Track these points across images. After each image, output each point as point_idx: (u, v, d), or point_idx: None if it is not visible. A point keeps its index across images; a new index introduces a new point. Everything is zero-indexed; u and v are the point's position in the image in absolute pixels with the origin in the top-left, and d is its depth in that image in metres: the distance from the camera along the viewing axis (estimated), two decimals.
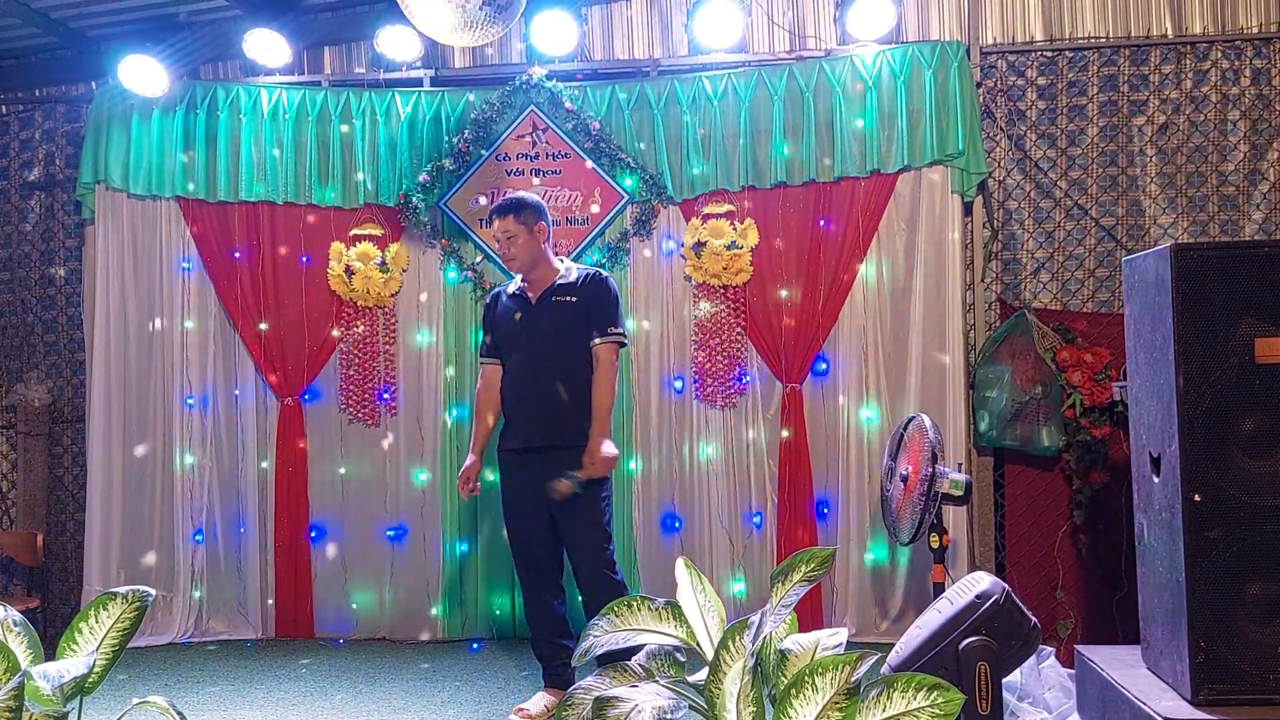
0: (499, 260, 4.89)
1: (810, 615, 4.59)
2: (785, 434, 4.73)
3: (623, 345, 3.87)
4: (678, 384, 4.85)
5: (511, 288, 3.94)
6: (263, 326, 4.98)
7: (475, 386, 4.19)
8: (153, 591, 2.37)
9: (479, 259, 4.95)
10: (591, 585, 3.72)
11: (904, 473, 3.98)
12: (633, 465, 4.82)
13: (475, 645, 4.76)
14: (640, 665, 2.33)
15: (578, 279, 3.84)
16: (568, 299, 3.80)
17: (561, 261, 3.94)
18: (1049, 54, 4.83)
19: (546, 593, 3.83)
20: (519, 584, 4.02)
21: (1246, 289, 2.69)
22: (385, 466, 4.97)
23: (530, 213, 3.81)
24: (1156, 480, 2.87)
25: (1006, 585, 2.87)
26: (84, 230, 5.23)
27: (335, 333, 4.99)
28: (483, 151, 4.92)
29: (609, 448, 3.71)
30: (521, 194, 4.04)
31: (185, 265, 5.05)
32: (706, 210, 4.79)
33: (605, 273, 3.96)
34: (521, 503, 3.80)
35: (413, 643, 4.80)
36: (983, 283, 4.82)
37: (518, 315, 3.85)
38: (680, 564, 2.49)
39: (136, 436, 5.00)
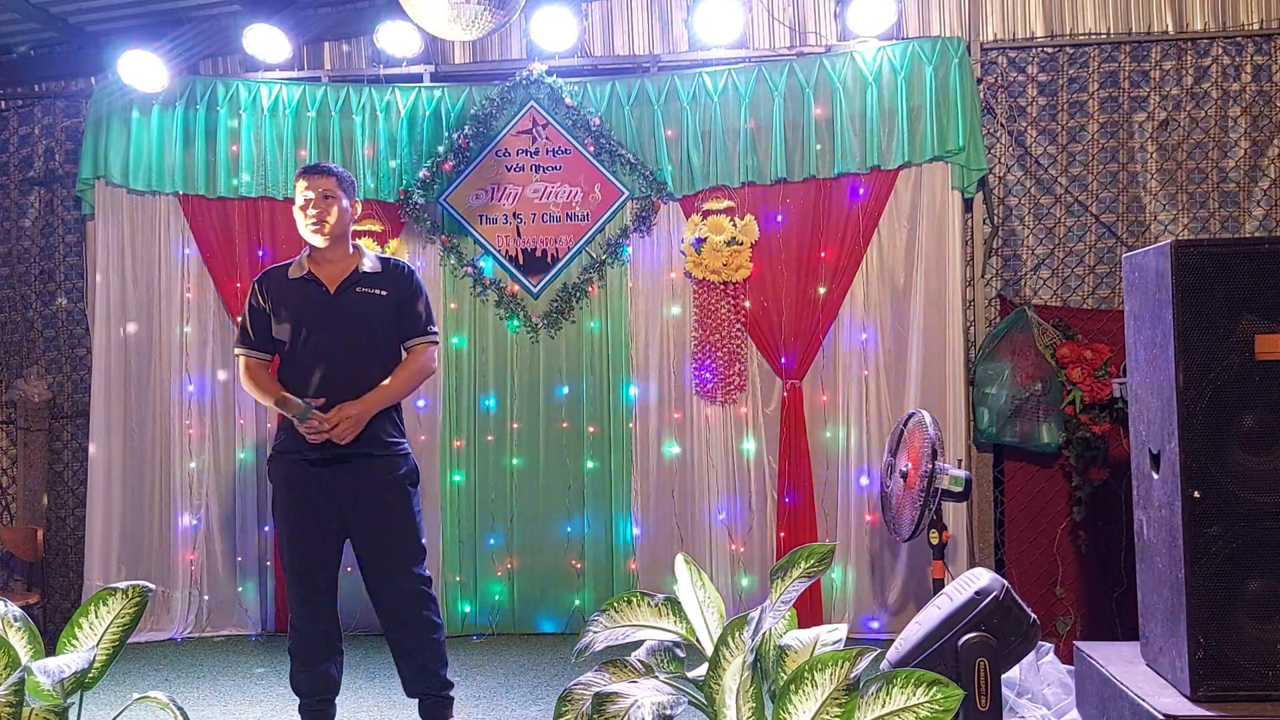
0: (499, 256, 4.91)
1: (810, 611, 4.59)
2: (785, 430, 4.73)
3: (438, 344, 3.48)
4: (678, 380, 4.84)
5: (293, 272, 3.35)
6: None
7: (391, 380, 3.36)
8: (153, 586, 2.37)
9: (479, 255, 4.95)
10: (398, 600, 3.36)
11: (904, 469, 3.98)
12: (633, 461, 4.83)
13: (475, 639, 4.77)
14: (640, 661, 2.33)
15: (383, 269, 3.37)
16: (376, 291, 3.32)
17: (358, 244, 3.46)
18: (1050, 50, 4.83)
19: (328, 601, 3.39)
20: (303, 605, 3.34)
21: (1247, 285, 2.69)
22: None
23: (350, 184, 3.40)
24: (1156, 477, 2.87)
25: (1006, 581, 2.87)
26: (84, 226, 5.23)
27: None
28: (483, 147, 4.92)
29: (360, 414, 3.19)
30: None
31: (185, 261, 5.05)
32: (707, 206, 4.79)
33: (408, 263, 3.57)
34: (313, 516, 3.29)
35: None
36: (983, 279, 4.82)
37: (310, 306, 3.29)
38: (680, 560, 2.49)
39: (137, 432, 5.01)
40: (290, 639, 3.40)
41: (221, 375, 5.04)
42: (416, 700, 3.40)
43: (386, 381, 3.29)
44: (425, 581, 3.36)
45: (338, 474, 3.26)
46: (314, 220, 3.29)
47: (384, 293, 3.33)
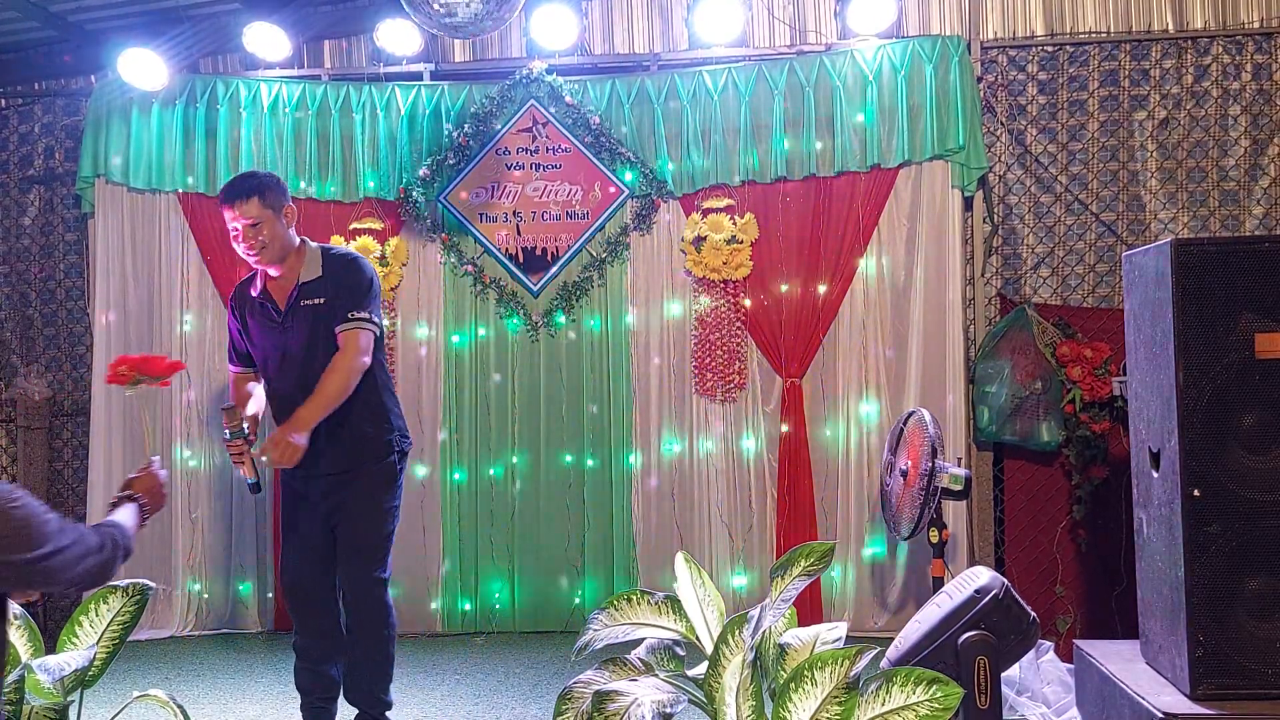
0: (499, 254, 4.91)
1: (810, 610, 4.59)
2: (785, 428, 4.73)
3: (372, 331, 3.17)
4: (677, 378, 4.84)
5: (255, 288, 3.24)
6: None
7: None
8: (153, 585, 2.38)
9: (479, 253, 4.95)
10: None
11: (904, 467, 3.98)
12: (633, 459, 4.83)
13: (475, 637, 4.77)
14: (640, 659, 2.33)
15: (324, 270, 3.19)
16: (316, 301, 3.15)
17: (305, 245, 3.25)
18: (1050, 49, 4.82)
19: (331, 599, 3.37)
20: (300, 608, 3.34)
21: (1246, 284, 2.69)
22: None
23: (276, 193, 3.15)
24: (1156, 475, 2.87)
25: (1005, 580, 2.87)
26: (84, 224, 5.23)
27: None
28: (483, 146, 4.92)
29: (300, 439, 3.01)
30: (256, 171, 3.52)
31: (185, 259, 5.05)
32: (706, 205, 4.78)
33: (354, 253, 3.40)
34: (306, 526, 3.30)
35: (412, 636, 4.80)
36: (983, 278, 4.82)
37: (266, 328, 3.20)
38: (680, 558, 2.50)
39: (137, 430, 5.00)
40: (295, 637, 3.42)
41: (220, 372, 5.04)
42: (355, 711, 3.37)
43: (314, 398, 3.06)
44: (380, 585, 3.27)
45: (327, 485, 3.25)
46: (251, 253, 3.13)
47: (321, 300, 3.16)
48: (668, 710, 2.06)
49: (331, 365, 3.11)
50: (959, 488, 3.80)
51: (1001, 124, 4.84)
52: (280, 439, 2.99)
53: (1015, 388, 4.53)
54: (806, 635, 2.29)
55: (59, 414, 5.42)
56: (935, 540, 3.89)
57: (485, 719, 3.69)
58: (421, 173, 4.88)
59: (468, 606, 4.88)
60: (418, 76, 5.04)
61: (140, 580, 2.38)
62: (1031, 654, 3.37)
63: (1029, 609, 2.87)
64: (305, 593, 3.32)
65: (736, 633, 2.14)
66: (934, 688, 2.00)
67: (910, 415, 4.04)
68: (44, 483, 5.36)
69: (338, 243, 4.86)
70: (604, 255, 4.86)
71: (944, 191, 4.66)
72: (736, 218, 4.75)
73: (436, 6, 3.70)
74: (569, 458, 4.89)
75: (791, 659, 2.22)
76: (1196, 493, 2.69)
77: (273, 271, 3.19)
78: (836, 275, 4.71)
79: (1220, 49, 4.71)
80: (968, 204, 4.75)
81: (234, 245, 3.20)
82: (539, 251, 4.92)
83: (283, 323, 3.17)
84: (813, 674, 2.01)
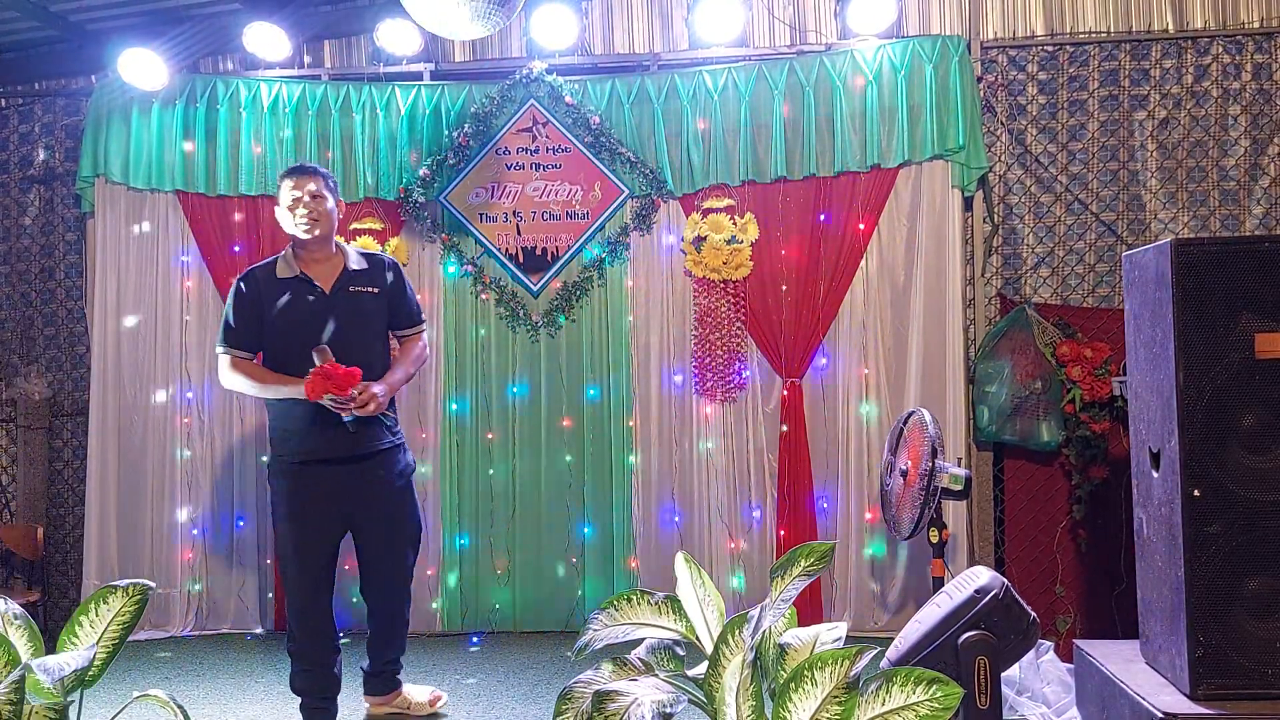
0: (499, 254, 4.91)
1: (810, 609, 4.59)
2: (785, 429, 4.73)
3: (425, 331, 3.69)
4: (677, 378, 4.85)
5: (282, 271, 3.39)
6: None
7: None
8: (152, 585, 2.37)
9: (479, 253, 4.95)
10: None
11: (904, 467, 3.98)
12: (633, 459, 4.83)
13: (475, 639, 4.77)
14: (640, 659, 2.33)
15: (370, 266, 3.47)
16: (368, 290, 3.43)
17: (338, 244, 3.53)
18: (1050, 49, 4.82)
19: (327, 600, 3.49)
20: (314, 605, 3.42)
21: (1247, 284, 2.70)
22: None
23: (334, 184, 3.49)
24: (1156, 475, 2.87)
25: (1005, 580, 2.87)
26: (84, 224, 5.23)
27: None
28: (483, 146, 4.92)
29: (383, 391, 3.31)
30: None
31: (184, 259, 5.05)
32: (707, 205, 4.79)
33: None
34: (319, 517, 3.39)
35: (413, 636, 4.79)
36: (983, 277, 4.82)
37: (306, 306, 3.35)
38: (680, 558, 2.50)
39: (136, 430, 5.01)
40: (290, 641, 3.44)
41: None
42: (370, 674, 3.65)
43: (399, 370, 3.46)
44: (411, 573, 3.61)
45: (348, 472, 3.35)
46: (306, 220, 3.35)
47: (375, 290, 3.44)
48: (668, 710, 2.06)
49: (409, 355, 3.55)
50: (959, 488, 3.80)
51: (1001, 124, 4.84)
52: (366, 386, 3.25)
53: (1015, 388, 4.53)
54: (806, 635, 2.29)
55: (59, 414, 5.42)
56: (935, 540, 3.89)
57: (485, 719, 3.69)
58: (421, 173, 4.88)
59: (468, 607, 4.88)
60: (418, 76, 5.04)
61: (140, 580, 2.38)
62: (1031, 654, 3.37)
63: (1029, 609, 2.87)
64: (317, 607, 3.41)
65: (736, 633, 2.14)
66: (934, 688, 2.00)
67: (910, 415, 4.04)
68: (44, 483, 5.36)
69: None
70: (604, 255, 4.86)
71: (944, 191, 4.66)
72: (737, 218, 4.75)
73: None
74: (569, 458, 4.89)
75: (791, 659, 2.22)
76: (1196, 493, 2.69)
77: (310, 239, 3.37)
78: (836, 275, 4.72)
79: (1220, 49, 4.71)
80: (968, 204, 4.75)
81: (283, 216, 3.39)
82: (539, 251, 4.92)
83: (329, 299, 3.36)
84: (813, 674, 2.01)
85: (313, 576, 3.40)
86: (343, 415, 3.26)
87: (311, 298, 3.36)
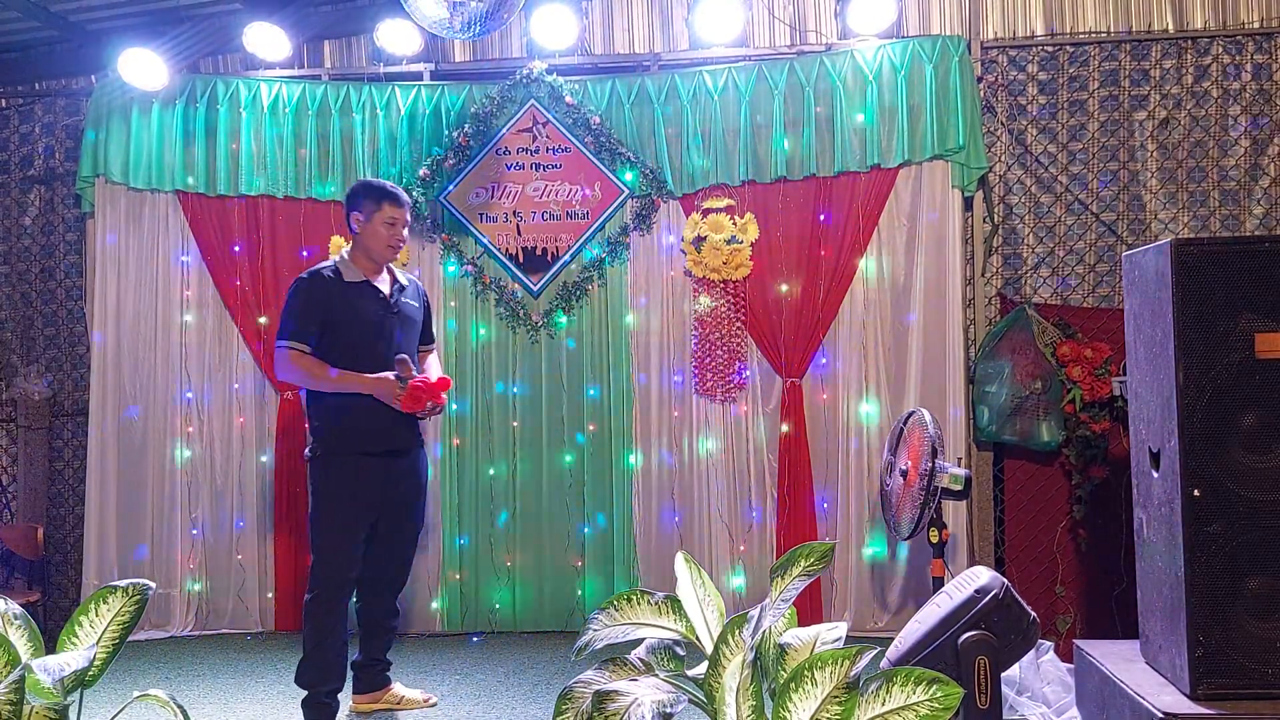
0: (499, 254, 4.91)
1: (810, 609, 4.59)
2: (785, 428, 4.73)
3: None
4: (677, 378, 4.85)
5: (348, 275, 3.60)
6: (262, 320, 4.98)
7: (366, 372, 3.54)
8: (152, 585, 2.37)
9: (479, 253, 4.95)
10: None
11: (904, 467, 3.98)
12: (633, 460, 4.83)
13: (475, 638, 4.77)
14: (640, 659, 2.33)
15: (409, 284, 3.78)
16: (412, 303, 3.74)
17: None
18: (1050, 49, 4.83)
19: (353, 587, 3.69)
20: (343, 592, 3.58)
21: (1247, 284, 2.69)
22: None
23: None
24: (1156, 475, 2.87)
25: (1005, 580, 2.87)
26: (84, 224, 5.23)
27: None
28: (483, 146, 4.92)
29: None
30: None
31: (185, 259, 5.05)
32: (706, 205, 4.78)
33: None
34: (367, 509, 3.57)
35: (413, 636, 4.80)
36: (983, 278, 4.82)
37: (374, 310, 3.60)
38: (680, 558, 2.49)
39: (136, 430, 5.01)
40: (313, 629, 3.51)
41: (220, 372, 5.04)
42: (362, 670, 3.77)
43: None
44: (411, 566, 3.91)
45: (397, 464, 3.61)
46: (395, 245, 3.64)
47: (417, 304, 3.77)
48: (668, 710, 2.06)
49: (438, 365, 3.93)
50: (959, 488, 3.80)
51: (1001, 124, 4.84)
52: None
53: (1015, 388, 4.53)
54: (806, 635, 2.29)
55: (59, 414, 5.42)
56: (935, 540, 3.89)
57: (485, 719, 3.69)
58: (421, 173, 4.88)
59: (468, 607, 4.88)
60: (418, 76, 5.04)
61: (140, 580, 2.37)
62: (1031, 654, 3.37)
63: (1029, 609, 2.87)
64: (350, 587, 3.61)
65: (736, 633, 2.14)
66: (934, 688, 2.00)
67: (910, 415, 4.04)
68: (44, 483, 5.36)
69: (338, 243, 4.89)
70: (604, 255, 4.86)
71: (944, 191, 4.66)
72: (736, 218, 4.75)
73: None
74: (569, 458, 4.89)
75: (791, 659, 2.22)
76: (1196, 493, 2.69)
77: (377, 266, 3.65)
78: (836, 275, 4.72)
79: (1220, 49, 4.71)
80: (968, 204, 4.75)
81: (375, 230, 3.60)
82: (539, 251, 4.92)
83: (391, 307, 3.63)
84: (813, 674, 2.01)
85: (354, 568, 3.58)
86: (418, 414, 3.58)
87: (378, 303, 3.61)
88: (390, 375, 3.50)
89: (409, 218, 3.70)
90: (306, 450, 3.60)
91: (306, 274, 3.61)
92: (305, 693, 3.52)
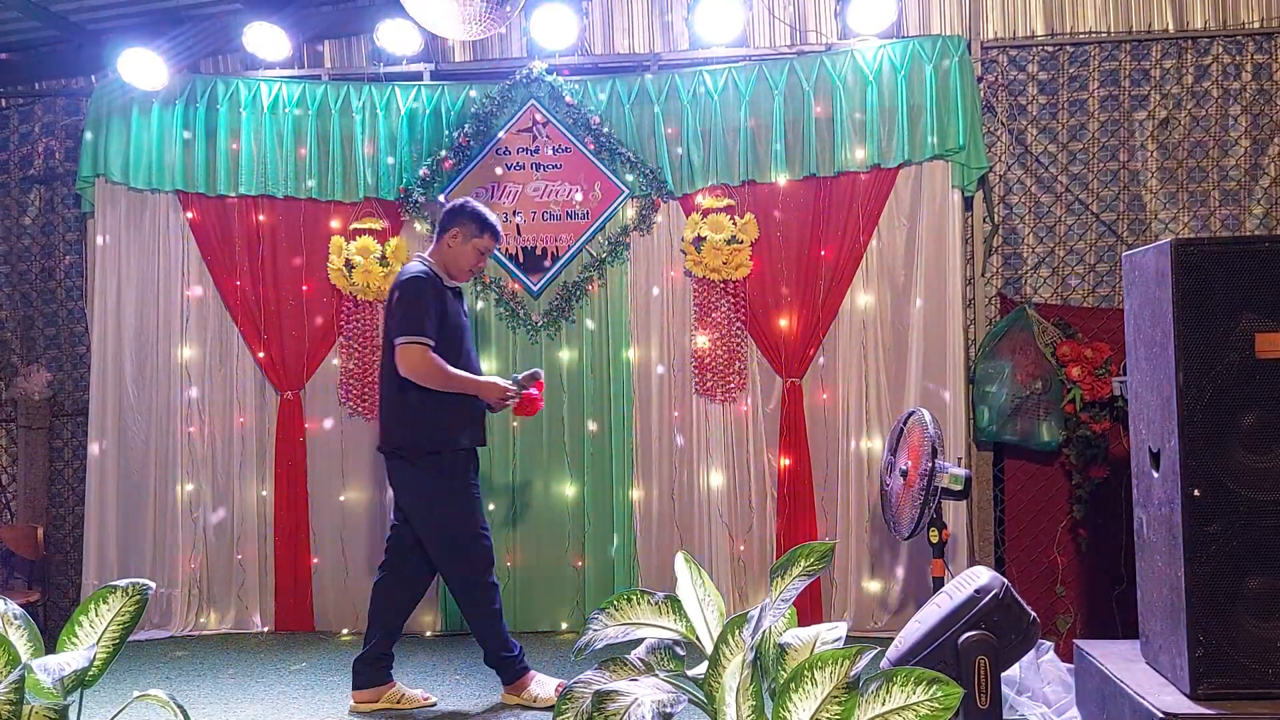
0: (500, 254, 4.92)
1: (810, 609, 4.59)
2: (785, 428, 4.73)
3: None
4: (678, 379, 4.84)
5: (446, 281, 3.80)
6: (262, 320, 4.98)
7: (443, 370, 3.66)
8: (152, 585, 2.37)
9: None
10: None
11: (904, 467, 3.98)
12: (633, 459, 4.83)
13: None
14: (640, 659, 2.33)
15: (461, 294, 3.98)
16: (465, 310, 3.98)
17: None
18: (1050, 49, 4.82)
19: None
20: (487, 585, 3.75)
21: (1247, 284, 2.70)
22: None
23: None
24: (1156, 475, 2.87)
25: (1006, 580, 2.87)
26: (84, 224, 5.23)
27: (336, 326, 4.99)
28: (483, 146, 4.92)
29: None
30: None
31: (185, 258, 5.05)
32: (707, 204, 4.78)
33: None
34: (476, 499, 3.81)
35: (413, 636, 4.80)
36: (983, 277, 4.82)
37: (462, 315, 3.85)
38: (680, 558, 2.50)
39: (136, 429, 5.01)
40: (480, 610, 3.73)
41: (220, 372, 5.04)
42: (361, 665, 3.81)
43: None
44: None
45: (476, 459, 3.84)
46: (475, 271, 3.94)
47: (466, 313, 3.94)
48: (668, 710, 2.06)
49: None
50: (959, 488, 3.80)
51: (1001, 124, 4.84)
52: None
53: (1015, 387, 4.53)
54: (806, 635, 2.29)
55: (59, 414, 5.42)
56: (935, 540, 3.89)
57: (485, 719, 3.68)
58: (421, 173, 4.88)
59: None
60: (418, 76, 5.04)
61: (140, 580, 2.38)
62: (1031, 654, 3.37)
63: (1029, 609, 2.87)
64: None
65: (736, 633, 2.14)
66: (934, 687, 2.00)
67: (910, 415, 4.04)
68: (44, 483, 5.36)
69: (338, 243, 4.89)
70: (604, 255, 4.87)
71: (944, 191, 4.66)
72: (736, 218, 4.75)
73: None
74: (569, 457, 4.89)
75: (791, 659, 2.22)
76: (1196, 493, 2.69)
77: (456, 278, 3.83)
78: (836, 275, 4.71)
79: (1220, 49, 4.71)
80: (968, 204, 4.75)
81: (466, 252, 3.77)
82: (539, 251, 4.92)
83: (465, 312, 3.90)
84: (813, 674, 2.01)
85: (489, 532, 3.78)
86: (491, 412, 3.87)
87: (464, 309, 3.87)
88: (503, 380, 3.76)
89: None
90: (394, 449, 3.68)
91: (421, 273, 3.69)
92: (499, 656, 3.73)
